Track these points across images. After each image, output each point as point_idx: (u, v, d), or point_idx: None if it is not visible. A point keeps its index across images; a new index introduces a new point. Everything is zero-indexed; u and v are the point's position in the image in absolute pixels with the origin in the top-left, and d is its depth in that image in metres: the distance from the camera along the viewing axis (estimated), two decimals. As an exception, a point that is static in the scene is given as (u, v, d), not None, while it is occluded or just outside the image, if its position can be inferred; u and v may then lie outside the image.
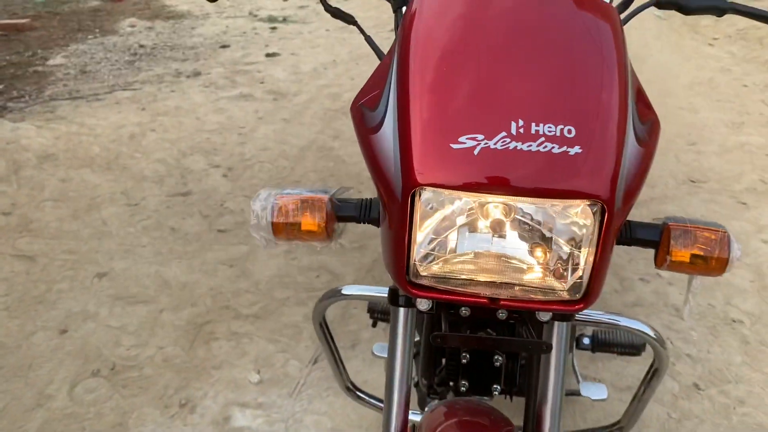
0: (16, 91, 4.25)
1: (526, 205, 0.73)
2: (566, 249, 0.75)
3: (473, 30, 0.81)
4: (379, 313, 1.54)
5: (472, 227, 0.76)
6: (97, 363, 2.04)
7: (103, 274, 2.44)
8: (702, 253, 0.81)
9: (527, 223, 0.75)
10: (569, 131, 0.70)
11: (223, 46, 5.42)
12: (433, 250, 0.77)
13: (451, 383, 1.21)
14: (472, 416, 0.93)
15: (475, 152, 0.70)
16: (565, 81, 0.75)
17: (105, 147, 3.37)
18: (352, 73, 4.66)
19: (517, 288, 0.78)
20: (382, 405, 1.39)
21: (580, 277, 0.76)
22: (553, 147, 0.69)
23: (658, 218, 0.87)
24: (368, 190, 3.10)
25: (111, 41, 5.67)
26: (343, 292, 1.15)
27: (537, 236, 0.76)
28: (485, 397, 1.15)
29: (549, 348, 0.87)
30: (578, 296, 0.77)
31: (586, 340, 1.51)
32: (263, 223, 0.85)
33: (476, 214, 0.76)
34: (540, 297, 0.77)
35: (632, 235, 0.85)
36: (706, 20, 6.19)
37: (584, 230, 0.73)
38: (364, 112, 0.85)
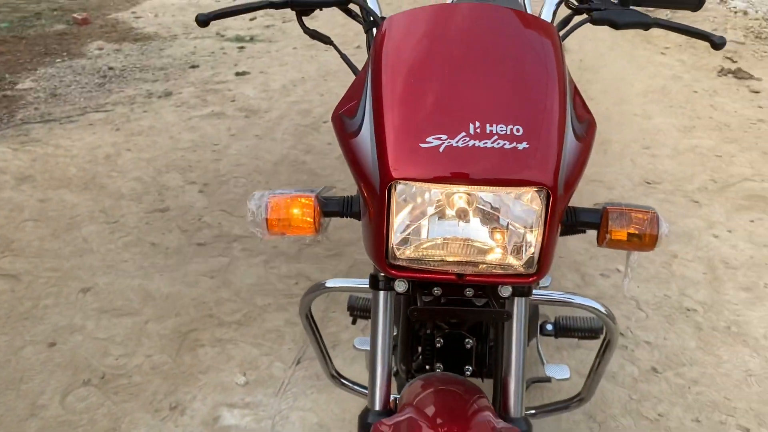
0: (-13, 116, 4.29)
1: (485, 194, 0.86)
2: (520, 231, 0.88)
3: (434, 48, 0.94)
4: (358, 310, 1.66)
5: (440, 215, 0.89)
6: (87, 373, 2.11)
7: (87, 289, 2.52)
8: (636, 232, 0.96)
9: (487, 211, 0.89)
10: (518, 130, 0.83)
11: (193, 66, 5.50)
12: (408, 236, 0.90)
13: (427, 367, 1.33)
14: (447, 386, 1.05)
15: (441, 150, 0.83)
16: (513, 88, 0.89)
17: (81, 167, 3.43)
18: (320, 89, 4.79)
19: (481, 266, 0.91)
20: (364, 391, 1.51)
21: (533, 254, 0.89)
22: (504, 143, 0.83)
23: (598, 203, 1.01)
24: (344, 192, 3.22)
25: (79, 64, 5.71)
26: (327, 285, 1.27)
27: (495, 221, 0.89)
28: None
29: (509, 316, 1.00)
30: (532, 270, 0.90)
31: (549, 327, 1.64)
32: (258, 220, 0.97)
33: (443, 204, 0.89)
34: (500, 271, 0.90)
35: (577, 219, 0.99)
36: (657, 31, 6.48)
37: (534, 214, 0.86)
38: (344, 120, 0.98)
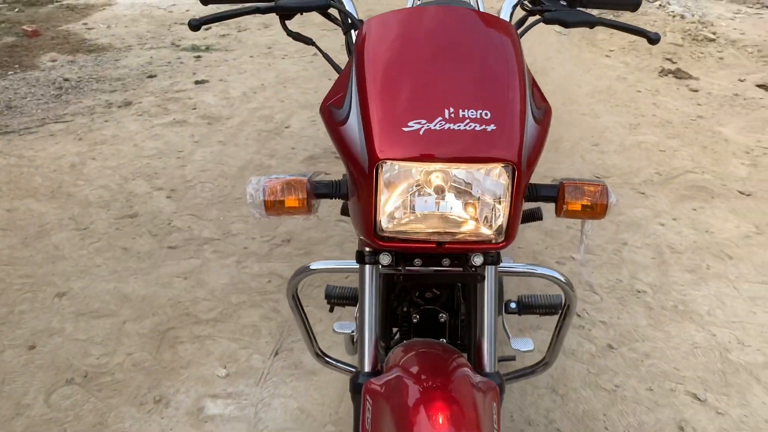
0: (-57, 129, 4.25)
1: (459, 171, 0.99)
2: (490, 203, 1.01)
3: (410, 45, 1.06)
4: (335, 298, 1.76)
5: (420, 192, 1.01)
6: (70, 372, 2.17)
7: (62, 294, 2.56)
8: (589, 203, 1.09)
9: (461, 187, 1.01)
10: (486, 114, 0.96)
11: (150, 76, 5.52)
12: (393, 211, 1.02)
13: (405, 342, 1.45)
14: (428, 348, 1.17)
15: (420, 133, 0.95)
16: (481, 78, 1.02)
17: (47, 177, 3.45)
18: (280, 95, 4.88)
19: (457, 236, 1.04)
20: (346, 368, 1.62)
21: (502, 224, 1.02)
22: (475, 126, 0.95)
23: (555, 179, 1.14)
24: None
25: (33, 76, 5.66)
26: (312, 267, 1.37)
27: (469, 196, 1.02)
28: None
29: (482, 278, 1.13)
30: (501, 238, 1.03)
31: (512, 305, 1.77)
32: (257, 202, 1.08)
33: (422, 183, 1.01)
34: (474, 238, 1.03)
35: (537, 193, 1.12)
36: (602, 34, 6.76)
37: (502, 187, 0.99)
38: (332, 110, 1.09)
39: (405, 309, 1.50)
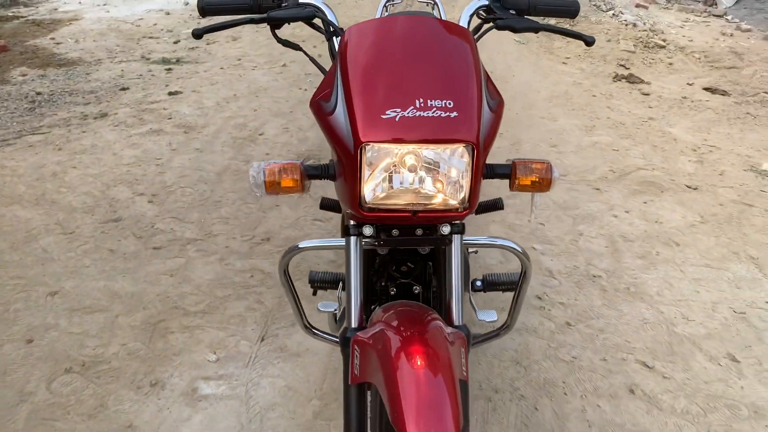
0: None
1: (429, 151, 1.19)
2: (455, 178, 1.21)
3: (385, 48, 1.26)
4: (318, 282, 1.94)
5: (397, 171, 1.21)
6: (68, 363, 2.31)
7: (54, 293, 2.69)
8: (536, 178, 1.31)
9: (430, 166, 1.21)
10: (449, 104, 1.16)
11: (123, 89, 5.63)
12: (374, 186, 1.21)
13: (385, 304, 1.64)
14: (405, 307, 1.36)
15: (396, 119, 1.15)
16: (444, 74, 1.22)
17: (30, 185, 3.57)
18: (253, 105, 5.04)
19: (428, 206, 1.24)
20: (330, 338, 1.80)
21: (465, 195, 1.22)
22: (441, 113, 1.16)
23: (509, 159, 1.35)
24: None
25: (4, 90, 5.71)
26: (301, 246, 1.56)
27: (437, 173, 1.22)
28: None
29: (450, 241, 1.33)
30: (464, 207, 1.24)
31: (478, 283, 1.98)
32: (258, 183, 1.26)
33: (399, 162, 1.21)
34: (442, 207, 1.23)
35: (494, 171, 1.33)
36: (559, 43, 7.07)
37: (464, 164, 1.19)
38: (321, 104, 1.29)
39: (383, 283, 1.69)
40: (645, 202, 3.67)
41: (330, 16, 1.52)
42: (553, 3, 1.53)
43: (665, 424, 2.08)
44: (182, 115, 4.78)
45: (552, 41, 7.09)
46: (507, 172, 1.33)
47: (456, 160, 1.19)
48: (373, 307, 1.74)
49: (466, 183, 1.21)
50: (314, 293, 1.99)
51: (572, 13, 1.56)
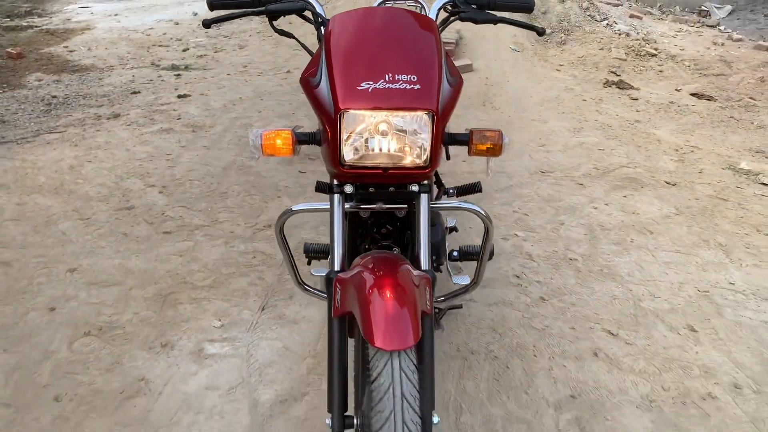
0: (-56, 140, 4.58)
1: (397, 119, 1.43)
2: (419, 141, 1.46)
3: (363, 33, 1.52)
4: (312, 252, 2.19)
5: (371, 136, 1.46)
6: (87, 327, 2.55)
7: (73, 269, 2.94)
8: (490, 144, 1.55)
9: (400, 131, 1.46)
10: (413, 78, 1.41)
11: (134, 92, 5.92)
12: (351, 148, 1.46)
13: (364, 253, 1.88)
14: (381, 255, 1.60)
15: (369, 90, 1.40)
16: (411, 54, 1.47)
17: (49, 176, 3.83)
18: (258, 107, 5.32)
19: (397, 164, 1.48)
20: (321, 294, 2.04)
21: (428, 155, 1.47)
22: (406, 86, 1.40)
23: (467, 128, 1.59)
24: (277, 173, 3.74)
25: (21, 94, 6.00)
26: (294, 209, 1.80)
27: (404, 137, 1.46)
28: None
29: (418, 195, 1.57)
30: (428, 164, 1.48)
31: (455, 254, 2.23)
32: (256, 145, 1.51)
33: (372, 129, 1.45)
34: (409, 165, 1.47)
35: (455, 139, 1.58)
36: (553, 51, 7.34)
37: (427, 128, 1.44)
38: (309, 79, 1.54)
39: (367, 246, 1.94)
40: (625, 196, 3.90)
41: (318, 9, 1.77)
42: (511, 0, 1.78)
43: (623, 381, 2.31)
44: (191, 116, 5.05)
45: (547, 50, 7.36)
46: (465, 139, 1.57)
47: (419, 125, 1.44)
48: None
49: (428, 144, 1.46)
50: (308, 263, 2.24)
51: (528, 8, 1.80)
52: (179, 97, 5.61)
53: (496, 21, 1.76)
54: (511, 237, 3.34)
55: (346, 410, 1.48)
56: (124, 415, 2.11)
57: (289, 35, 1.93)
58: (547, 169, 4.31)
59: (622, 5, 9.31)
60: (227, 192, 3.78)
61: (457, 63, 6.56)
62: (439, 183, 2.61)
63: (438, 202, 1.81)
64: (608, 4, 9.04)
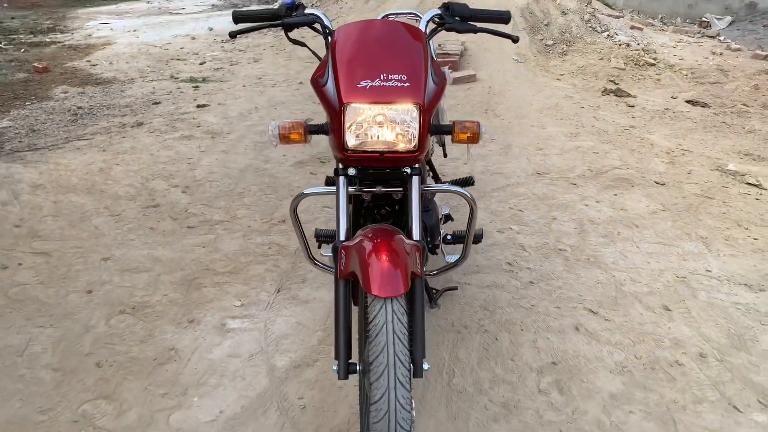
0: (-19, 147, 4.94)
1: (391, 111, 1.73)
2: (410, 130, 1.76)
3: (362, 41, 1.82)
4: (322, 236, 2.49)
5: (369, 126, 1.75)
6: (121, 306, 2.86)
7: (107, 258, 3.25)
8: (470, 134, 1.84)
9: (394, 121, 1.75)
10: (404, 77, 1.71)
11: (155, 103, 6.27)
12: (353, 135, 1.75)
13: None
14: (379, 227, 1.89)
15: (367, 88, 1.70)
16: (401, 59, 1.77)
17: (81, 178, 4.17)
18: (272, 115, 5.65)
19: (391, 149, 1.78)
20: (330, 269, 2.33)
21: (416, 141, 1.76)
22: (398, 84, 1.70)
23: (452, 119, 1.89)
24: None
25: (49, 105, 6.37)
26: (306, 192, 2.09)
27: (396, 126, 1.76)
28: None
29: (411, 175, 1.86)
30: (417, 150, 1.77)
31: (449, 237, 2.52)
32: (274, 134, 1.81)
33: (371, 120, 1.75)
34: (402, 149, 1.77)
35: (440, 129, 1.87)
36: (554, 61, 7.63)
37: (416, 119, 1.73)
38: (318, 79, 1.85)
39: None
40: (615, 195, 4.17)
41: (326, 21, 2.08)
42: (489, 12, 2.08)
43: (600, 351, 2.58)
44: (209, 124, 5.39)
45: (548, 60, 7.65)
46: (448, 129, 1.87)
47: (409, 116, 1.74)
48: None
49: (416, 132, 1.75)
50: (319, 246, 2.53)
51: (505, 20, 2.10)
52: (198, 106, 5.96)
53: (476, 30, 2.06)
54: (506, 230, 3.62)
55: (350, 358, 1.77)
56: (158, 377, 2.41)
57: (302, 44, 2.24)
58: (543, 170, 4.58)
59: (623, 17, 9.59)
60: (244, 191, 4.09)
61: (461, 73, 6.88)
62: (436, 177, 2.91)
63: (429, 185, 2.10)
64: (609, 16, 9.33)
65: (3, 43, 9.78)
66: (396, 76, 1.72)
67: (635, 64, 7.55)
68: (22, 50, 9.31)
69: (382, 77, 1.72)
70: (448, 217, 2.80)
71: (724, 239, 3.59)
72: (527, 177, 4.44)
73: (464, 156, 4.67)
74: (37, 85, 7.33)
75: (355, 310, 1.95)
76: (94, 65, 8.25)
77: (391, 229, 1.87)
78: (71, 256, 3.26)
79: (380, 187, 1.99)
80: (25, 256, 3.24)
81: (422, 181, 1.93)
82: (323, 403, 2.28)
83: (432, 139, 2.50)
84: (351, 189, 1.95)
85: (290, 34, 2.13)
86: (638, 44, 8.33)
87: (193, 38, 9.95)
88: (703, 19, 10.11)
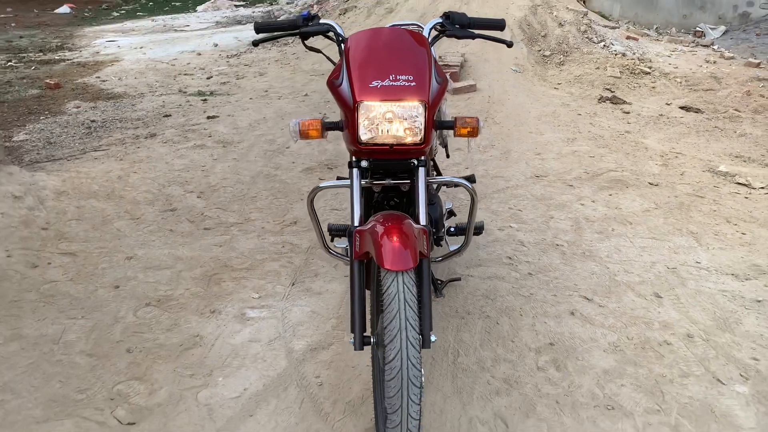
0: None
1: (399, 108, 1.94)
2: (417, 126, 1.96)
3: (373, 46, 2.04)
4: (335, 230, 2.69)
5: (380, 121, 1.96)
6: (147, 300, 3.06)
7: (130, 257, 3.46)
8: (470, 128, 2.05)
9: (402, 117, 1.96)
10: (410, 78, 1.93)
11: (166, 115, 6.49)
12: (366, 131, 1.96)
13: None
14: (390, 213, 2.09)
15: (378, 87, 1.91)
16: (408, 61, 1.98)
17: (101, 185, 4.38)
18: (280, 125, 5.87)
19: (400, 142, 1.98)
20: (342, 257, 2.53)
21: (422, 135, 1.97)
22: (405, 83, 1.92)
23: (453, 116, 2.09)
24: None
25: (63, 119, 6.59)
26: (321, 186, 2.30)
27: (404, 122, 1.96)
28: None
29: (416, 166, 2.07)
30: (423, 143, 1.98)
31: (452, 229, 2.72)
32: (295, 131, 2.03)
33: (382, 116, 1.96)
34: (409, 142, 1.98)
35: (443, 125, 2.08)
36: (552, 71, 7.87)
37: (422, 115, 1.94)
38: (333, 81, 2.06)
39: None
40: (610, 195, 4.37)
41: (339, 30, 2.30)
42: (486, 20, 2.30)
43: (594, 333, 2.77)
44: (220, 134, 5.61)
45: (546, 70, 7.89)
46: (451, 125, 2.08)
47: (416, 112, 1.95)
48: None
49: (422, 126, 1.96)
50: (332, 239, 2.73)
51: (500, 27, 2.32)
52: (208, 118, 6.19)
53: (474, 37, 2.28)
54: (506, 228, 3.82)
55: (365, 331, 1.97)
56: (185, 361, 2.60)
57: (317, 50, 2.46)
58: (541, 173, 4.79)
59: (619, 27, 9.84)
60: (257, 196, 4.30)
61: (461, 84, 7.11)
62: (439, 174, 3.12)
63: (434, 177, 2.31)
64: (605, 26, 9.57)
65: (14, 61, 10.04)
66: (403, 77, 1.93)
67: (631, 73, 7.77)
68: (33, 68, 9.56)
69: (391, 78, 1.93)
70: (451, 213, 3.00)
71: (714, 234, 3.78)
72: (526, 180, 4.65)
73: (465, 161, 4.88)
74: (50, 101, 7.57)
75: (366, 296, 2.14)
76: (103, 81, 8.49)
77: (401, 215, 2.07)
78: (96, 256, 3.47)
79: (389, 179, 2.19)
80: (54, 256, 3.45)
81: (427, 174, 2.14)
82: (339, 381, 2.47)
83: (435, 140, 2.71)
84: (363, 181, 2.16)
85: (307, 42, 2.35)
86: (634, 54, 8.57)
87: (199, 54, 10.20)
88: (698, 28, 10.36)
